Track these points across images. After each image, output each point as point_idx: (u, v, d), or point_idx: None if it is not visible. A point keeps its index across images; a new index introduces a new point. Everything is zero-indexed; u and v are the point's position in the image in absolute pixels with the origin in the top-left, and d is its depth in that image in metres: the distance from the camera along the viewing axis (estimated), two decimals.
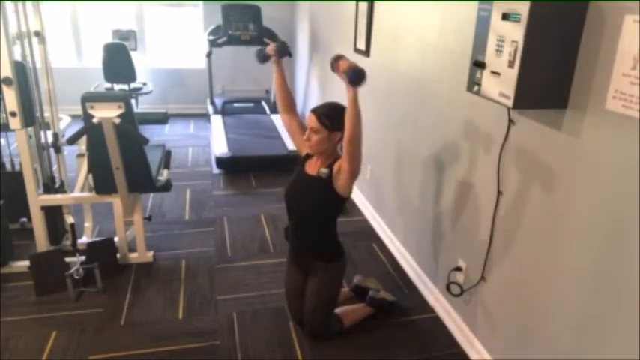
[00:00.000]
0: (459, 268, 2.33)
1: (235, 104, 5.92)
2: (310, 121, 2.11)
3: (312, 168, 2.20)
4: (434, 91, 2.54)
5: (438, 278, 2.58)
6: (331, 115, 2.09)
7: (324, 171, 2.13)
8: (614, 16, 1.40)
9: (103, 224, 3.33)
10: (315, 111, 2.11)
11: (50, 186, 2.90)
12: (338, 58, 2.03)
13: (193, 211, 3.64)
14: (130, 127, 2.47)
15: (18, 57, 2.64)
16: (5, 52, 2.36)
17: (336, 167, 2.10)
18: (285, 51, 2.28)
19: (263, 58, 2.33)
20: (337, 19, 4.26)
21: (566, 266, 1.64)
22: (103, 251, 2.75)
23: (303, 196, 2.22)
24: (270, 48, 2.28)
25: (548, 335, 1.76)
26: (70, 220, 3.03)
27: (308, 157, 2.27)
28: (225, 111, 5.61)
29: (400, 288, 2.80)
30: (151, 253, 2.96)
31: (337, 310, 2.39)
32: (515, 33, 1.51)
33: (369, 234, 3.43)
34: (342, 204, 2.21)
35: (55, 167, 3.15)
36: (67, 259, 2.67)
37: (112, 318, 2.44)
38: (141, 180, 2.72)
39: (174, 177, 3.96)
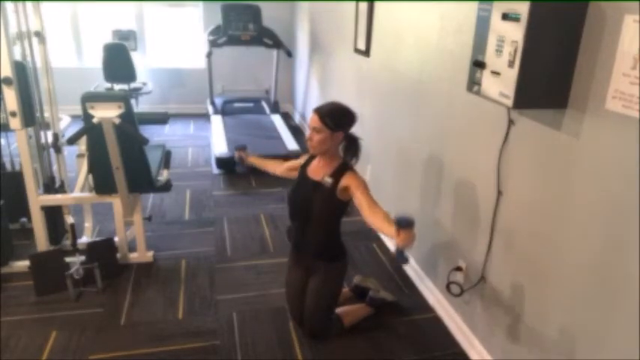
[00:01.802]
0: (459, 268, 2.33)
1: (235, 104, 5.92)
2: (312, 120, 2.11)
3: (316, 171, 2.19)
4: (434, 91, 2.54)
5: (438, 278, 2.58)
6: (334, 116, 2.08)
7: (328, 180, 2.12)
8: (614, 16, 1.40)
9: (103, 224, 3.33)
10: (317, 110, 2.11)
11: (50, 186, 2.90)
12: (405, 225, 1.74)
13: (193, 211, 3.64)
14: (129, 127, 2.47)
15: (18, 57, 2.64)
16: (5, 52, 2.36)
17: (342, 183, 2.10)
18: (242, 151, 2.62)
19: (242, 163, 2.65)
20: (337, 19, 4.26)
21: (566, 266, 1.64)
22: (103, 251, 2.75)
23: (306, 199, 2.20)
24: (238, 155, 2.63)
25: (548, 335, 1.76)
26: (70, 220, 3.03)
27: (311, 159, 2.27)
28: (225, 111, 5.61)
29: (400, 288, 2.80)
30: (151, 253, 2.96)
31: (337, 310, 2.38)
32: (515, 33, 1.51)
33: (369, 234, 3.42)
34: (345, 207, 2.20)
35: (55, 167, 3.15)
36: (67, 259, 2.67)
37: (112, 318, 2.44)
38: (141, 180, 2.72)
39: (174, 177, 3.95)
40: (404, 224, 1.72)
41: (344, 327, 2.36)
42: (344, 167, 2.13)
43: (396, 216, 1.77)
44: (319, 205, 2.17)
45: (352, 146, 2.17)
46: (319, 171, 2.17)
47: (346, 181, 2.09)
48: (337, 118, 2.09)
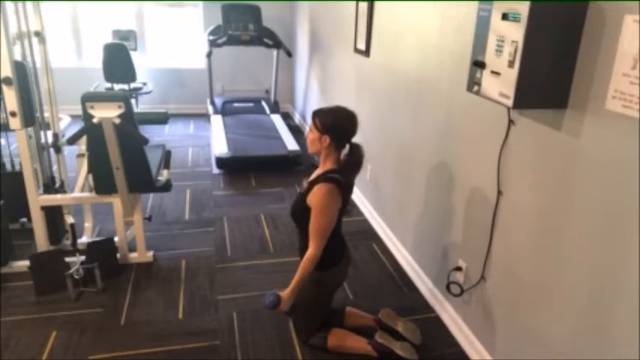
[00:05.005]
0: (459, 268, 2.33)
1: (235, 104, 5.92)
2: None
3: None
4: (434, 91, 2.54)
5: (438, 278, 2.58)
6: (323, 118, 2.05)
7: (304, 184, 2.12)
8: (614, 16, 1.40)
9: (103, 224, 3.33)
10: (315, 111, 2.11)
11: (50, 186, 2.90)
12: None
13: (193, 211, 3.64)
14: (129, 127, 2.47)
15: (18, 57, 2.64)
16: (5, 52, 2.36)
17: (311, 192, 2.03)
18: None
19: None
20: (337, 19, 4.27)
21: (566, 266, 1.64)
22: (103, 251, 2.75)
23: (295, 199, 2.20)
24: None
25: (548, 335, 1.76)
26: (70, 220, 3.03)
27: None
28: (225, 111, 5.61)
29: (400, 288, 2.80)
30: (151, 253, 2.96)
31: (335, 329, 2.29)
32: (515, 33, 1.51)
33: (369, 234, 3.43)
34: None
35: (55, 167, 3.15)
36: (67, 259, 2.67)
37: (112, 318, 2.44)
38: (141, 180, 2.72)
39: (174, 177, 3.96)
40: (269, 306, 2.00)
41: (326, 346, 2.24)
42: (325, 176, 2.05)
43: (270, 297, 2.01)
44: (296, 206, 2.16)
45: (351, 155, 2.10)
46: (315, 175, 2.16)
47: (313, 192, 2.02)
48: (327, 121, 2.05)
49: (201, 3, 6.06)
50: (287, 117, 6.32)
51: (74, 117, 3.46)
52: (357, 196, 3.87)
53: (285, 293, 2.02)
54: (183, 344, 2.28)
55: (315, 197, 2.01)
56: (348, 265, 2.28)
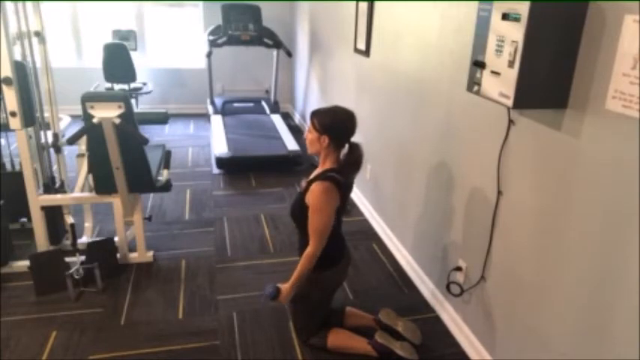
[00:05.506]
0: (459, 268, 2.33)
1: (235, 104, 5.93)
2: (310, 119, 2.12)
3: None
4: (434, 91, 2.54)
5: (438, 278, 2.58)
6: (322, 119, 2.05)
7: (303, 184, 2.12)
8: (614, 16, 1.40)
9: (103, 224, 3.33)
10: (313, 112, 2.11)
11: (50, 186, 2.90)
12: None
13: (193, 211, 3.64)
14: (129, 127, 2.47)
15: (18, 57, 2.64)
16: (5, 52, 2.36)
17: (309, 191, 2.03)
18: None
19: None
20: (337, 19, 4.27)
21: (566, 266, 1.64)
22: (103, 251, 2.75)
23: (295, 199, 2.19)
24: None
25: (548, 335, 1.76)
26: (70, 220, 3.03)
27: None
28: (225, 111, 5.61)
29: (400, 288, 2.80)
30: (151, 253, 2.96)
31: (335, 329, 2.28)
32: (515, 33, 1.51)
33: (369, 234, 3.43)
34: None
35: (55, 167, 3.15)
36: (67, 259, 2.67)
37: (112, 318, 2.44)
38: (141, 180, 2.72)
39: (174, 177, 3.96)
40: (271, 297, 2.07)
41: (326, 345, 2.24)
42: (323, 175, 2.05)
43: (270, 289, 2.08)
44: (295, 205, 2.16)
45: (350, 155, 2.09)
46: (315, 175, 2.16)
47: (310, 190, 2.02)
48: (325, 121, 2.05)
49: (201, 3, 6.06)
50: (287, 117, 6.32)
51: (74, 117, 3.46)
52: (357, 196, 3.87)
53: (284, 287, 2.05)
54: (183, 344, 2.28)
55: (313, 196, 2.01)
56: (348, 265, 2.28)
